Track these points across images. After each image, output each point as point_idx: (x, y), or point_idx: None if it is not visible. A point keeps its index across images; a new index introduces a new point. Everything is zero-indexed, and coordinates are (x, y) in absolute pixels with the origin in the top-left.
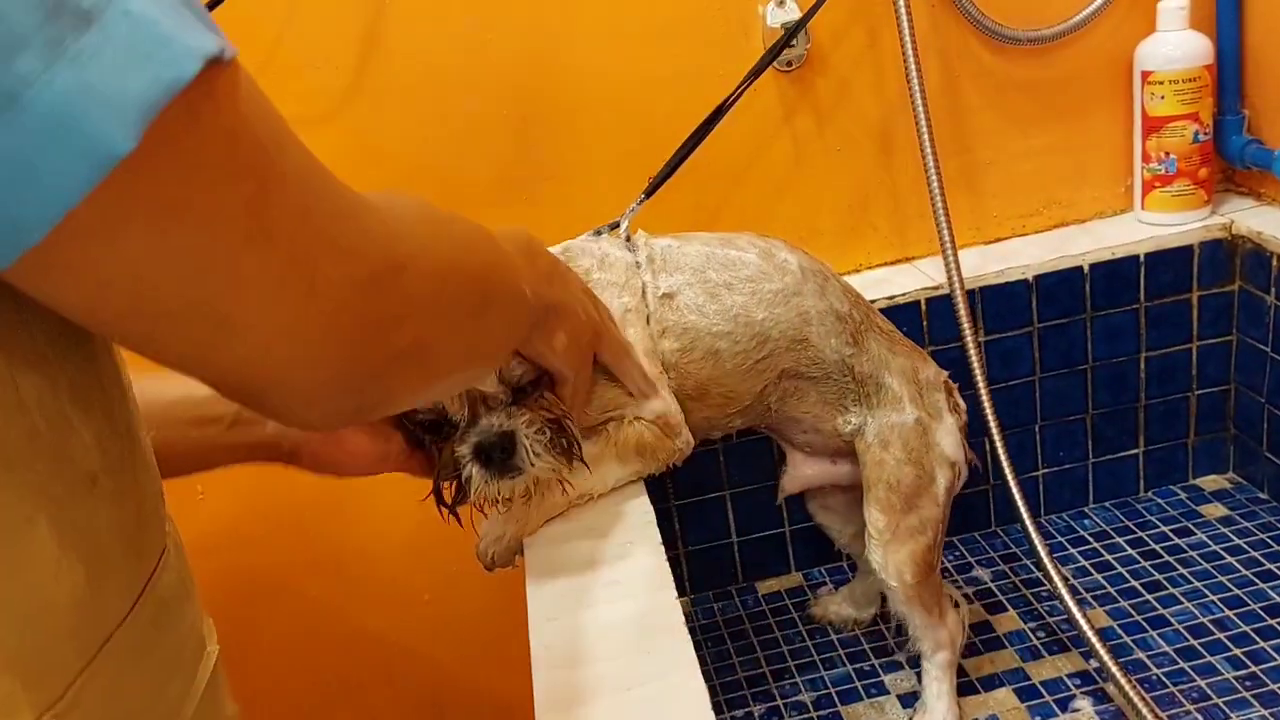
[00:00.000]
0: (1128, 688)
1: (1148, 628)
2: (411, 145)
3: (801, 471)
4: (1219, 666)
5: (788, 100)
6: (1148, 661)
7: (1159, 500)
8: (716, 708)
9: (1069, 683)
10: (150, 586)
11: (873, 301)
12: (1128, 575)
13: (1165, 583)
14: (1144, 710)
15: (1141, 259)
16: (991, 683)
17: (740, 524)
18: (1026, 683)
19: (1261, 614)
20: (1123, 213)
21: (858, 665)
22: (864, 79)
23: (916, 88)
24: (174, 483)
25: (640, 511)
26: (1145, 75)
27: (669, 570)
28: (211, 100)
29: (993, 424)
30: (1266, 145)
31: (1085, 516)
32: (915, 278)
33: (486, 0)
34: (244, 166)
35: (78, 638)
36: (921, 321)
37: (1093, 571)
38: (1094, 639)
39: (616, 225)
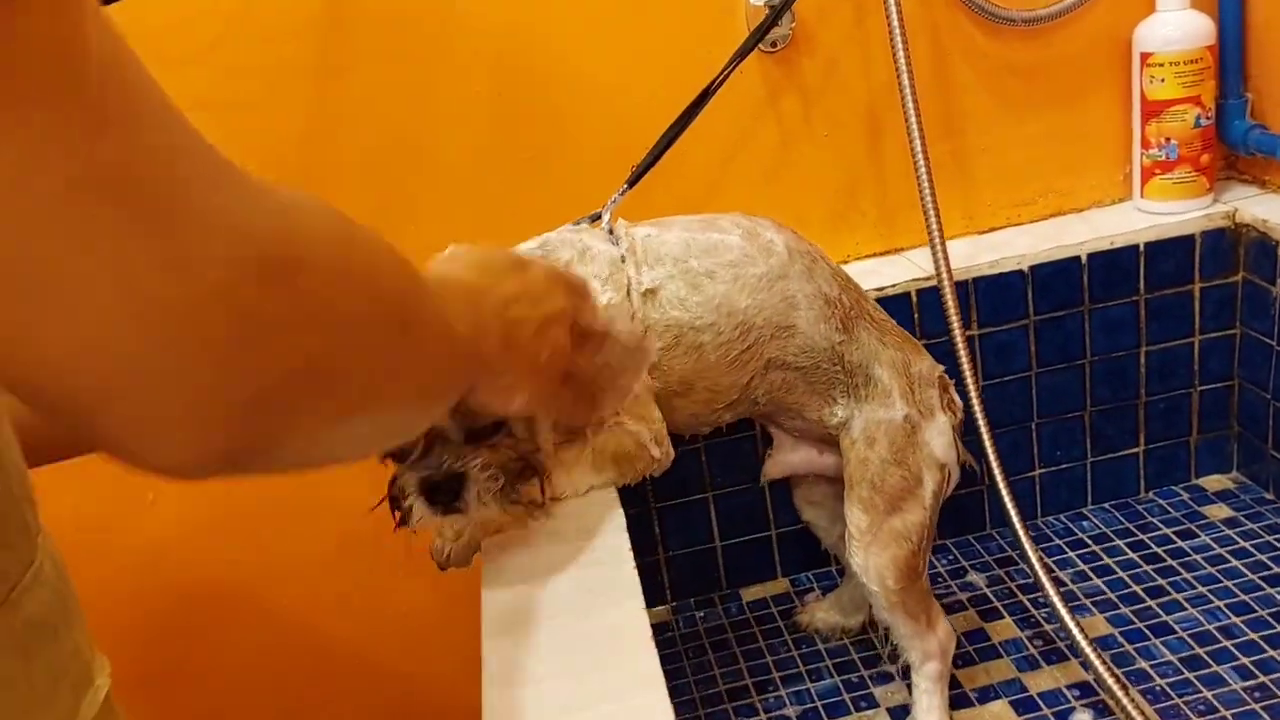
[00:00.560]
0: (1125, 700)
1: (1150, 635)
2: (379, 125)
3: (787, 457)
4: (1226, 676)
5: (773, 83)
6: (1151, 671)
7: (1160, 501)
8: None
9: (1068, 694)
10: (10, 605)
11: (865, 293)
12: (1128, 580)
13: (1168, 588)
14: None
15: (1141, 249)
16: (987, 694)
17: (724, 527)
18: (1024, 694)
19: (1270, 620)
20: (1121, 201)
21: (846, 676)
22: (851, 61)
23: (904, 70)
24: (121, 489)
25: (609, 515)
26: (1144, 57)
27: (636, 578)
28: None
29: (983, 423)
30: (1271, 130)
31: (1084, 518)
32: (905, 268)
33: None
34: (73, 87)
35: None
36: (912, 314)
37: (1092, 576)
38: (1089, 650)
39: (598, 217)
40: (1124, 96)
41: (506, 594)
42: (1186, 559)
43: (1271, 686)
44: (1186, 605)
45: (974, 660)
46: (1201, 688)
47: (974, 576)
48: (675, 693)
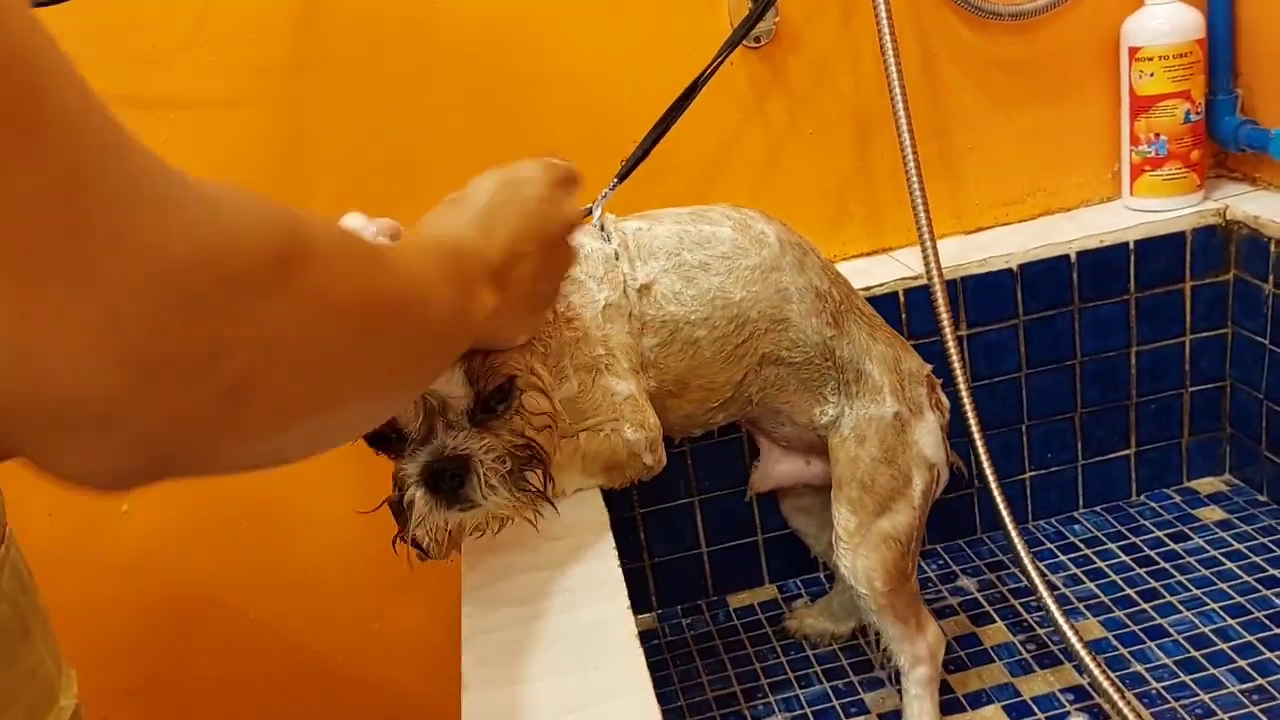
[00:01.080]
0: (1121, 704)
1: (1145, 639)
2: (351, 124)
3: (775, 469)
4: (1223, 679)
5: (757, 79)
6: (1146, 675)
7: (1152, 504)
8: None
9: (1062, 698)
10: None
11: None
12: (1122, 583)
13: (1162, 590)
14: None
15: (1131, 246)
16: (979, 699)
17: (710, 533)
18: (1017, 699)
19: (1266, 622)
20: (1110, 200)
21: (835, 683)
22: (837, 56)
23: (893, 69)
24: (95, 498)
25: (593, 513)
26: (1133, 51)
27: (621, 577)
28: None
29: (974, 425)
30: (1262, 126)
31: (1075, 521)
32: (893, 268)
33: None
34: None
35: None
36: (900, 314)
37: (1084, 579)
38: (1083, 652)
39: (589, 212)
40: (1113, 92)
41: (488, 594)
42: (1180, 561)
43: (1269, 689)
44: (1181, 608)
45: (966, 665)
46: (1198, 690)
47: (965, 581)
48: (662, 701)
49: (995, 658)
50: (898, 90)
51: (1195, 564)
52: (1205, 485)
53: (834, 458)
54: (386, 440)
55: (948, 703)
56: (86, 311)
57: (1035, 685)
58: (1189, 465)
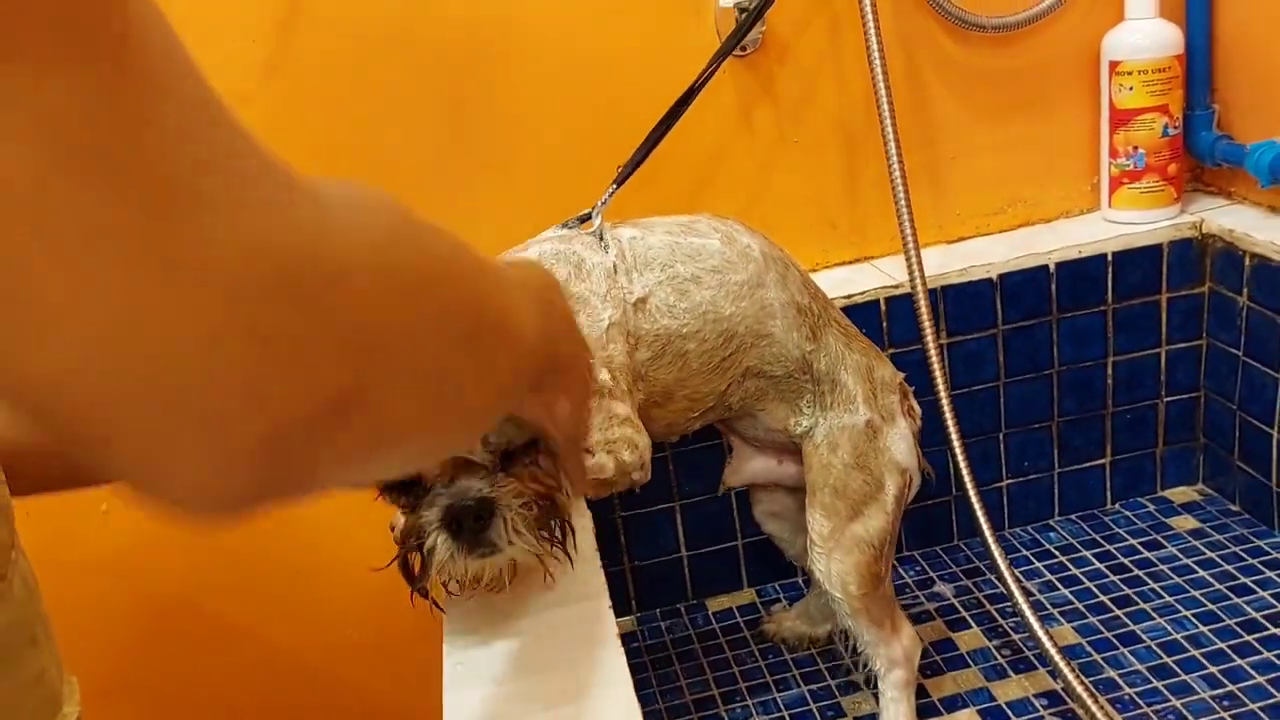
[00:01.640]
0: (1095, 709)
1: (1118, 645)
2: (334, 125)
3: (747, 465)
4: (1194, 685)
5: (743, 87)
6: (1119, 680)
7: (1126, 513)
8: None
9: (1036, 703)
10: None
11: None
12: (1096, 590)
13: (1135, 598)
14: None
15: (1109, 258)
16: (954, 703)
17: (690, 537)
18: (991, 703)
19: (1237, 630)
20: (1089, 212)
21: (812, 687)
22: (823, 65)
23: (880, 77)
24: (74, 500)
25: (575, 514)
26: (1114, 66)
27: (603, 577)
28: None
29: (953, 432)
30: (1238, 141)
31: (1050, 529)
32: (875, 277)
33: None
34: (103, 46)
35: None
36: (881, 322)
37: (1059, 586)
38: (1057, 658)
39: (587, 217)
40: (1093, 105)
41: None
42: (1153, 569)
43: (1241, 695)
44: (1154, 615)
45: (941, 670)
46: (1170, 697)
47: (941, 587)
48: (641, 704)
49: (971, 662)
50: (885, 101)
51: (1168, 572)
52: (1179, 494)
53: (807, 465)
54: (408, 486)
55: (923, 706)
56: (198, 297)
57: (1010, 690)
58: (1163, 475)
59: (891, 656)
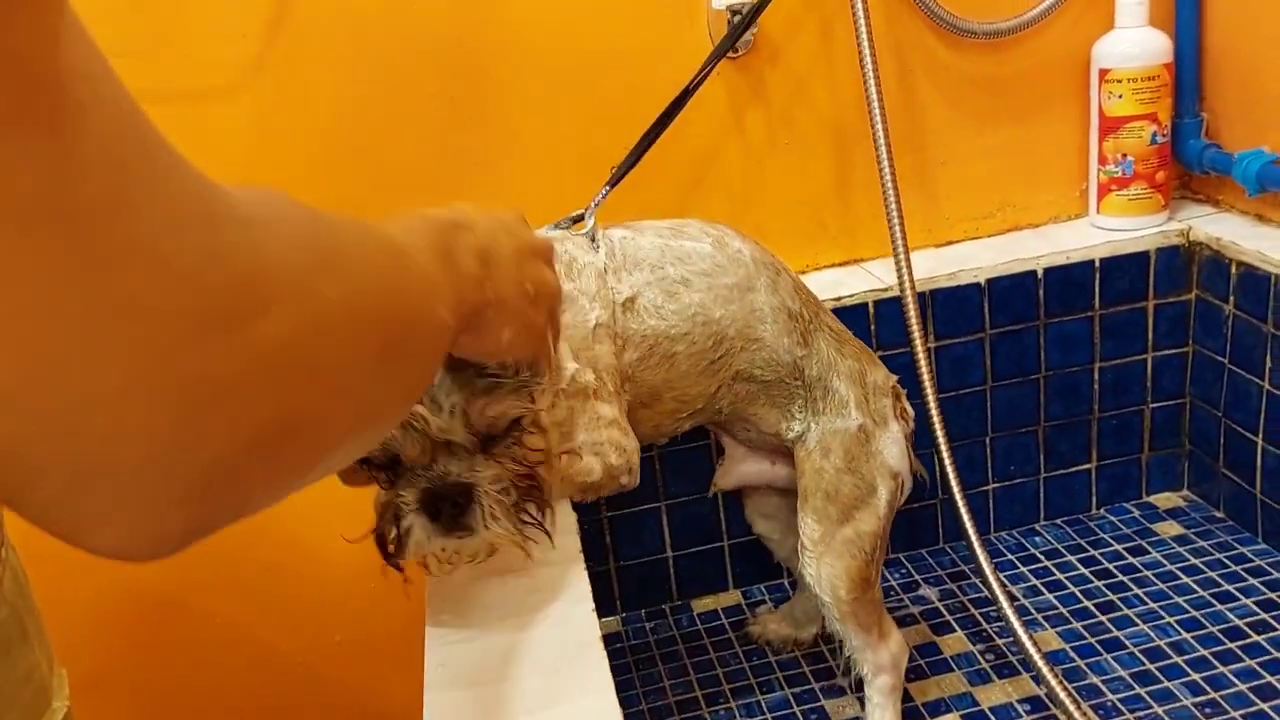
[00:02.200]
0: (1078, 715)
1: (1102, 651)
2: (324, 124)
3: (739, 468)
4: (1177, 692)
5: (734, 89)
6: (1102, 686)
7: (1111, 518)
8: None
9: (1019, 708)
10: None
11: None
12: (1080, 595)
13: (1119, 604)
14: None
15: (1097, 264)
16: (938, 708)
17: (676, 538)
18: (975, 708)
19: (1220, 637)
20: (1077, 218)
21: (797, 689)
22: (814, 68)
23: (872, 81)
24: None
25: (561, 517)
26: (1103, 73)
27: (587, 580)
28: None
29: (940, 436)
30: (1226, 150)
31: (1036, 534)
32: (865, 280)
33: None
34: (38, 110)
35: None
36: (869, 325)
37: (1044, 591)
38: (1042, 664)
39: (580, 218)
40: (1082, 112)
41: (452, 595)
42: (1138, 575)
43: (1223, 703)
44: (1138, 621)
45: (925, 674)
46: (1152, 703)
47: (926, 590)
48: (624, 704)
49: (955, 667)
50: (876, 104)
51: (1152, 578)
52: (1164, 500)
53: (800, 469)
54: (379, 467)
55: (907, 710)
56: (124, 339)
57: (993, 695)
58: (1148, 480)
59: (879, 662)
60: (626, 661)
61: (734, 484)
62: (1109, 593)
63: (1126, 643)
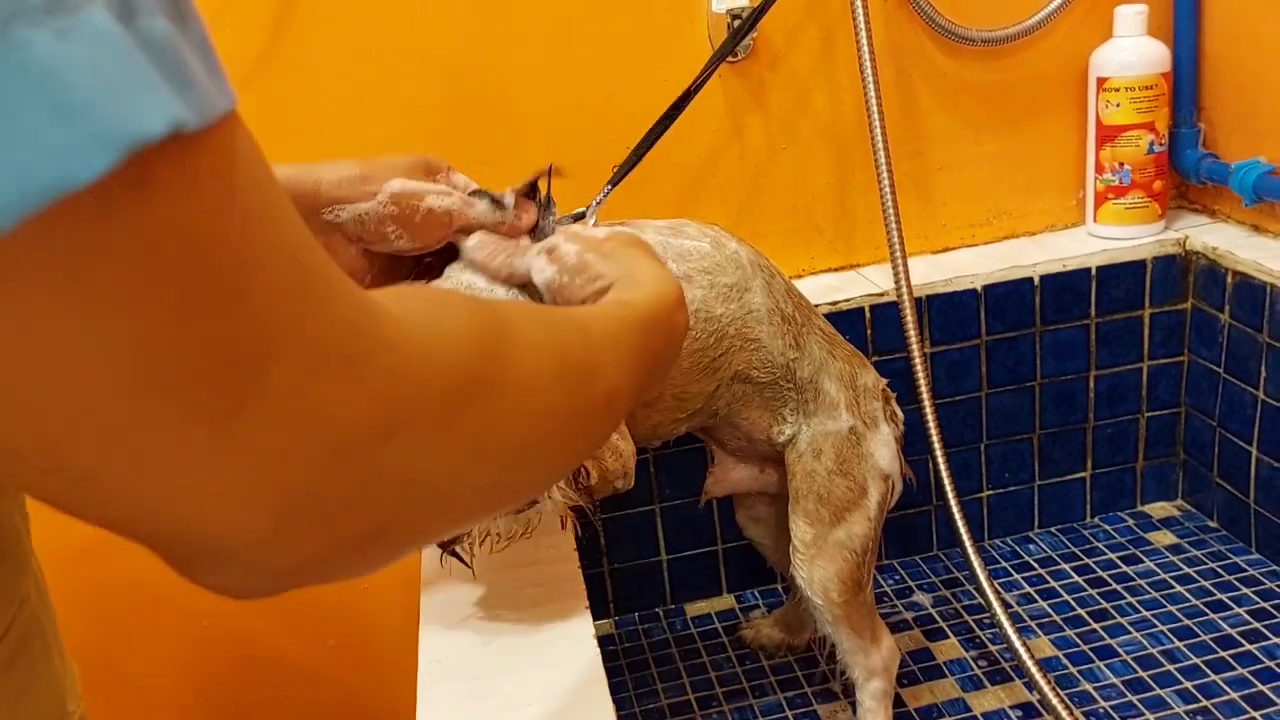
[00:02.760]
0: None
1: (1095, 658)
2: (326, 123)
3: (729, 475)
4: (1169, 700)
5: (732, 93)
6: (1095, 694)
7: (1106, 527)
8: None
9: (1012, 715)
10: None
11: (815, 307)
12: (1074, 603)
13: (1113, 611)
14: None
15: (1093, 272)
16: (930, 714)
17: (670, 541)
18: (967, 714)
19: (1213, 645)
20: (1074, 226)
21: (790, 694)
22: (813, 74)
23: (871, 87)
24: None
25: (554, 516)
26: (1101, 82)
27: (580, 576)
28: (144, 191)
29: (936, 442)
30: (1223, 160)
31: (1030, 541)
32: (861, 285)
33: None
34: (190, 283)
35: None
36: (865, 330)
37: (1038, 599)
38: (1035, 670)
39: (581, 216)
40: (1079, 120)
41: (446, 589)
42: (1131, 584)
43: (1215, 711)
44: (1131, 629)
45: (918, 680)
46: (1145, 711)
47: (920, 596)
48: (617, 707)
49: (947, 673)
50: (875, 111)
51: (1146, 586)
52: (1158, 509)
53: (791, 472)
54: None
55: (899, 716)
56: (247, 466)
57: (986, 701)
58: (1143, 489)
59: (870, 666)
60: (619, 665)
61: (725, 491)
62: (1102, 601)
63: (1119, 650)
